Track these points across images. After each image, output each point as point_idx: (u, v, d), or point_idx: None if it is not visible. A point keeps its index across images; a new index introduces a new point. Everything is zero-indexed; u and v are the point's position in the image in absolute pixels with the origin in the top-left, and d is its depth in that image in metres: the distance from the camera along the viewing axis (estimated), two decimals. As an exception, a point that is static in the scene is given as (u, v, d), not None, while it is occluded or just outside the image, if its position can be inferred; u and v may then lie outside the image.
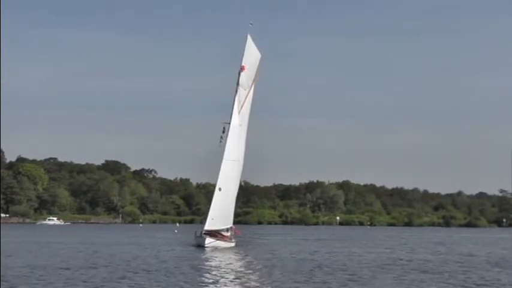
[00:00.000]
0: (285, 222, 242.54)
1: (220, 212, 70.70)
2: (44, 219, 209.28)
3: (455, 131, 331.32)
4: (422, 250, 73.23)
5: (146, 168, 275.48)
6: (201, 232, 70.87)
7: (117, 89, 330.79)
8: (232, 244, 71.63)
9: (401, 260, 56.00)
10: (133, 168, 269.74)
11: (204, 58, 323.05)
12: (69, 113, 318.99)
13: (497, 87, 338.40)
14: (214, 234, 70.40)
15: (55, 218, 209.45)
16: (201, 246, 68.83)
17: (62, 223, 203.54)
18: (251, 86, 74.22)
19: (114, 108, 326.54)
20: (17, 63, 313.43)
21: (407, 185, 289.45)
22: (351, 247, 77.97)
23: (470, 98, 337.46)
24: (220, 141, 71.41)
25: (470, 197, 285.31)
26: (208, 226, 70.26)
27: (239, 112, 72.95)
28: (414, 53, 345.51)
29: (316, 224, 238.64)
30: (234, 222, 75.06)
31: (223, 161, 71.05)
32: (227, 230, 72.80)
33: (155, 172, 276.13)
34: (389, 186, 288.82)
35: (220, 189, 70.65)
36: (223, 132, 71.56)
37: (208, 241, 68.50)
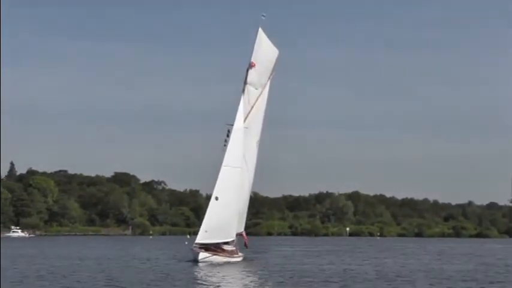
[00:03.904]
0: (294, 234, 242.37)
1: (217, 223, 63.01)
2: (8, 231, 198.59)
3: (465, 141, 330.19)
4: (456, 261, 71.65)
5: (156, 180, 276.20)
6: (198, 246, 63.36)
7: (126, 101, 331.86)
8: (238, 259, 64.56)
9: (444, 270, 55.15)
10: (142, 180, 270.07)
11: (213, 67, 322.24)
12: (79, 125, 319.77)
13: (506, 97, 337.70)
14: (212, 248, 63.32)
15: (19, 230, 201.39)
16: (195, 260, 61.84)
17: (27, 235, 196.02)
18: (265, 85, 67.90)
19: (124, 120, 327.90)
20: (27, 74, 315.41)
21: (417, 196, 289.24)
22: (386, 258, 76.02)
23: (480, 107, 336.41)
24: (225, 145, 64.82)
25: (481, 207, 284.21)
26: (200, 239, 62.90)
27: (248, 113, 66.60)
28: (425, 64, 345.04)
29: (326, 235, 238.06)
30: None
31: (222, 167, 63.86)
32: (232, 242, 65.72)
33: (165, 184, 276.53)
34: (399, 196, 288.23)
35: (217, 198, 63.22)
36: (228, 135, 65.10)
37: (203, 256, 61.72)
